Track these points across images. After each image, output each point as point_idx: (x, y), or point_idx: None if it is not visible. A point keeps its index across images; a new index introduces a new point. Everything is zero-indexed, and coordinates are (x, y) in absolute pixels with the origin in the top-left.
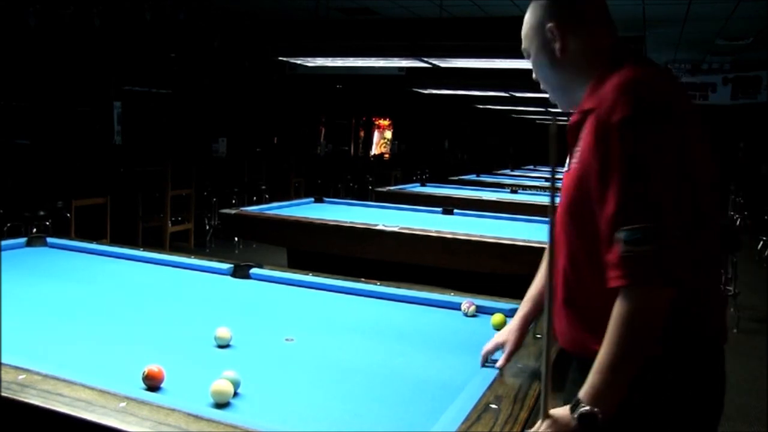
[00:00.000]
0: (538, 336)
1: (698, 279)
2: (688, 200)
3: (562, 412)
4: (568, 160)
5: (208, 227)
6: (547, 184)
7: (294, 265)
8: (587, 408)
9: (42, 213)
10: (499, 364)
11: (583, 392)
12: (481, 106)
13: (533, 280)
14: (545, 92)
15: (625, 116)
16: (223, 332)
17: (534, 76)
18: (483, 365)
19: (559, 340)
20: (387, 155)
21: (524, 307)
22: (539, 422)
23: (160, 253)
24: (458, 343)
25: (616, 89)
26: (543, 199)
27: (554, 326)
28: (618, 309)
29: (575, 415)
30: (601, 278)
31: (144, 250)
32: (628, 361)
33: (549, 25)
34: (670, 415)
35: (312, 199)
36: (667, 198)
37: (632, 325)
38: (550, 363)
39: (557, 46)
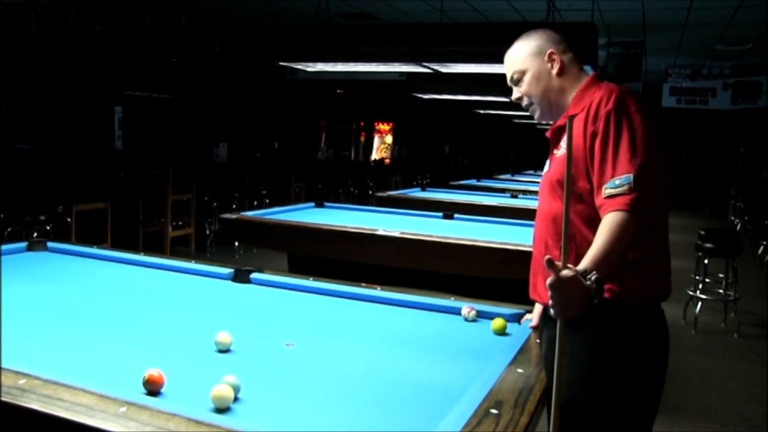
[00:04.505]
0: (538, 341)
1: (653, 242)
2: (657, 169)
3: (568, 273)
4: (548, 161)
5: (208, 232)
6: None
7: (295, 270)
8: (596, 274)
9: (43, 217)
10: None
11: (586, 265)
12: (482, 111)
13: None
14: (528, 108)
15: (611, 107)
16: (224, 337)
17: (517, 95)
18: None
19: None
20: (388, 160)
21: None
22: (552, 277)
23: (160, 257)
24: (459, 348)
25: (603, 94)
26: None
27: (543, 289)
28: (611, 220)
29: (592, 278)
30: (588, 229)
31: (144, 255)
32: (614, 252)
33: (549, 50)
34: (628, 369)
35: (313, 204)
36: (643, 158)
37: (618, 229)
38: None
39: (557, 66)
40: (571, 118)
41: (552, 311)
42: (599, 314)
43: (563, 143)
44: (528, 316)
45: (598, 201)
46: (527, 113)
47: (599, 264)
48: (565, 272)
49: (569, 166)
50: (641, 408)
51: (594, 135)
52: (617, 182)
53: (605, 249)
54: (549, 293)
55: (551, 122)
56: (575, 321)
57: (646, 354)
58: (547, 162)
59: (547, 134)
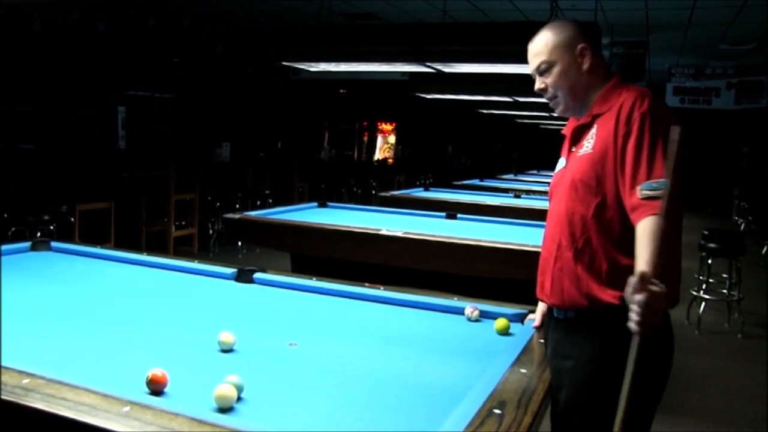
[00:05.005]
0: (542, 341)
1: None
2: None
3: (660, 289)
4: (565, 159)
5: (211, 232)
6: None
7: (297, 269)
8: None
9: (46, 217)
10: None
11: (646, 271)
12: (484, 111)
13: None
14: (550, 101)
15: (646, 110)
16: (227, 337)
17: (541, 86)
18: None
19: (556, 299)
20: (390, 160)
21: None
22: (636, 289)
23: (163, 257)
24: (462, 348)
25: (636, 96)
26: (546, 204)
27: (550, 290)
28: (653, 226)
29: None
30: (605, 233)
31: (147, 255)
32: (663, 256)
33: (581, 45)
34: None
35: (315, 204)
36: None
37: (662, 235)
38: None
39: (587, 62)
40: (680, 128)
41: (636, 327)
42: (607, 319)
43: (586, 142)
44: (531, 316)
45: (632, 201)
46: (529, 113)
47: (658, 274)
48: (656, 288)
49: (675, 176)
50: (643, 410)
51: (627, 135)
52: (654, 185)
53: (658, 257)
54: (637, 309)
55: (566, 117)
56: (582, 325)
57: (652, 359)
58: (563, 160)
59: (565, 131)
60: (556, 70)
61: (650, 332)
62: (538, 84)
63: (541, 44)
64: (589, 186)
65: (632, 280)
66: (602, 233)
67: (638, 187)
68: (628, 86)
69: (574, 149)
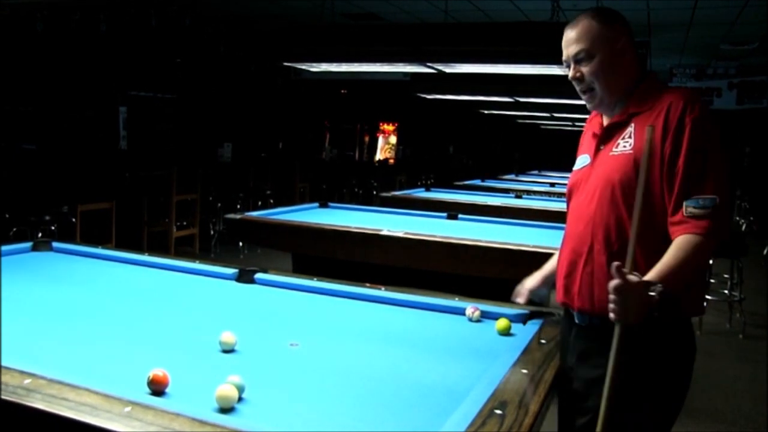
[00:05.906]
0: (543, 341)
1: None
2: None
3: (635, 279)
4: (589, 157)
5: (213, 232)
6: (551, 189)
7: (299, 270)
8: (662, 287)
9: (47, 218)
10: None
11: (652, 277)
12: (486, 112)
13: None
14: (584, 93)
15: (698, 115)
16: (228, 337)
17: (576, 75)
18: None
19: (584, 304)
20: (392, 160)
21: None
22: (615, 281)
23: (165, 257)
24: (463, 349)
25: (685, 98)
26: (548, 204)
27: (577, 295)
28: (690, 242)
29: (657, 289)
30: (648, 238)
31: (149, 255)
32: (684, 270)
33: (623, 39)
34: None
35: (317, 204)
36: (724, 181)
37: (696, 253)
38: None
39: (627, 59)
40: (651, 127)
41: (612, 315)
42: (639, 329)
43: (622, 141)
44: (520, 295)
45: (676, 216)
46: (530, 113)
47: (667, 280)
48: (632, 278)
49: (643, 176)
50: (667, 419)
51: (678, 143)
52: (701, 202)
53: (678, 268)
54: (612, 297)
55: (592, 111)
56: (612, 334)
57: (679, 369)
58: (586, 157)
59: (589, 127)
60: (595, 61)
61: (630, 326)
62: (573, 73)
63: (583, 31)
64: (632, 188)
65: (612, 270)
66: (644, 238)
67: (685, 203)
68: (669, 86)
69: (603, 147)
